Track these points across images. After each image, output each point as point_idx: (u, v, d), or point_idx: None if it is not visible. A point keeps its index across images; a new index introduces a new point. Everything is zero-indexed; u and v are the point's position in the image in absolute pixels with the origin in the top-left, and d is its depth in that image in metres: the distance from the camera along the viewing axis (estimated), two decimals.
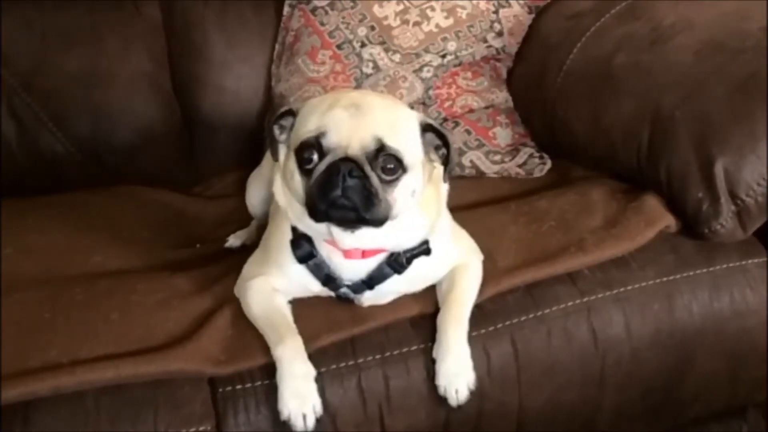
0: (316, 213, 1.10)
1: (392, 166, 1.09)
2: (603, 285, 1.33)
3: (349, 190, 1.06)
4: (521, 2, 1.87)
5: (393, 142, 1.08)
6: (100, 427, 1.11)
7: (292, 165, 1.12)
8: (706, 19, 1.55)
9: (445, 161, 1.16)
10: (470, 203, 1.54)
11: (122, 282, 1.34)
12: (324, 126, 1.09)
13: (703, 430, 1.56)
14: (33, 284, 1.34)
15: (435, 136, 1.15)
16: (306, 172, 1.10)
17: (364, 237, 1.15)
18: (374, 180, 1.08)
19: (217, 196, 1.80)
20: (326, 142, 1.08)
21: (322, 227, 1.15)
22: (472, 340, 1.22)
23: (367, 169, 1.07)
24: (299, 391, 1.14)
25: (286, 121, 1.16)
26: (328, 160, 1.08)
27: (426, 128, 1.14)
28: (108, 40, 1.82)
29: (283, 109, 1.17)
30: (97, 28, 1.82)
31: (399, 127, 1.11)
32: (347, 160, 1.07)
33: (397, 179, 1.10)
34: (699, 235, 1.40)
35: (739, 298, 1.38)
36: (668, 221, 1.41)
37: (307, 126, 1.11)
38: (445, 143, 1.14)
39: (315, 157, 1.09)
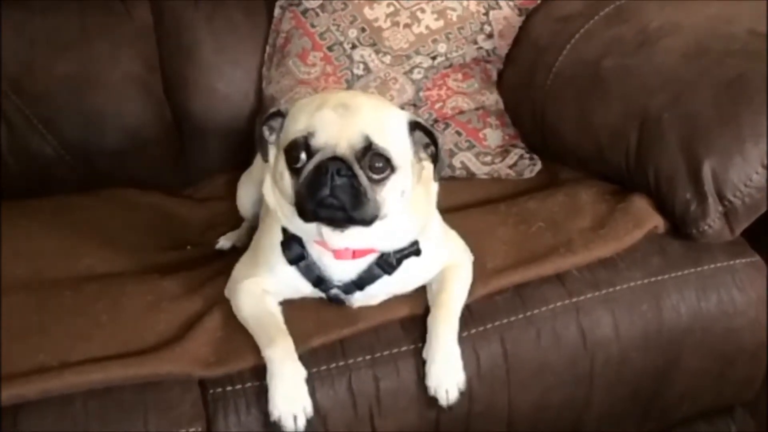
0: (305, 212, 1.10)
1: (381, 165, 1.09)
2: (591, 285, 1.34)
3: (337, 189, 1.07)
4: (511, 4, 1.87)
5: (381, 141, 1.09)
6: (89, 430, 1.11)
7: (282, 165, 1.13)
8: (693, 22, 1.57)
9: (435, 159, 1.16)
10: (460, 205, 1.55)
11: (112, 285, 1.34)
12: (312, 126, 1.09)
13: (691, 429, 1.57)
14: (22, 287, 1.34)
15: (423, 134, 1.15)
16: (295, 172, 1.10)
17: (354, 237, 1.15)
18: (363, 179, 1.08)
19: (208, 199, 1.80)
20: (315, 142, 1.09)
21: (311, 227, 1.15)
22: (461, 340, 1.22)
23: (356, 167, 1.08)
24: (290, 393, 1.14)
25: (276, 122, 1.17)
26: (316, 159, 1.08)
27: (414, 127, 1.15)
28: (98, 43, 1.82)
29: (272, 110, 1.17)
30: (87, 31, 1.82)
31: (387, 126, 1.12)
32: (335, 159, 1.07)
33: (385, 178, 1.10)
34: (687, 235, 1.41)
35: (726, 299, 1.39)
36: (656, 222, 1.42)
37: (296, 126, 1.11)
38: (434, 141, 1.15)
39: (303, 156, 1.09)
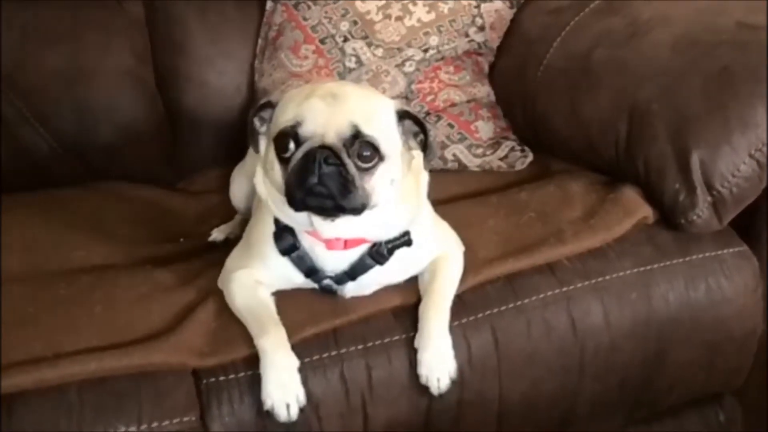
0: (295, 201, 1.11)
1: (368, 153, 1.10)
2: (581, 275, 1.35)
3: (325, 177, 1.07)
4: None
5: (369, 130, 1.10)
6: (84, 419, 1.12)
7: (272, 155, 1.13)
8: (682, 14, 1.58)
9: (424, 148, 1.17)
10: (452, 196, 1.56)
11: (105, 276, 1.35)
12: (301, 115, 1.10)
13: (680, 417, 1.58)
14: (16, 279, 1.34)
15: (413, 122, 1.16)
16: (284, 161, 1.11)
17: (344, 226, 1.16)
18: (351, 167, 1.09)
19: (200, 192, 1.80)
20: (303, 131, 1.09)
21: (302, 217, 1.16)
22: (453, 329, 1.23)
23: (344, 156, 1.08)
24: (282, 382, 1.15)
25: (266, 113, 1.18)
26: (304, 148, 1.09)
27: (403, 115, 1.16)
28: (90, 36, 1.81)
29: (262, 101, 1.18)
30: (78, 24, 1.81)
31: (375, 114, 1.13)
32: (323, 147, 1.08)
33: (374, 167, 1.11)
34: (676, 225, 1.43)
35: (714, 288, 1.41)
36: (645, 212, 1.44)
37: (285, 116, 1.12)
38: (423, 128, 1.15)
39: (292, 145, 1.10)
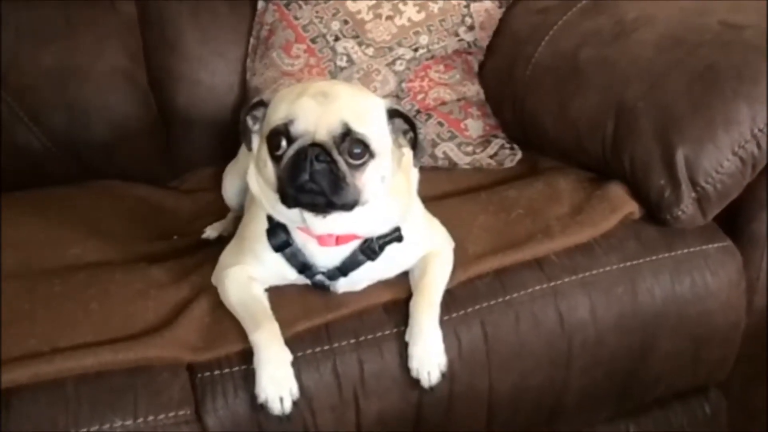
0: (287, 198, 1.13)
1: (359, 150, 1.12)
2: (569, 270, 1.37)
3: (316, 174, 1.09)
4: None
5: (359, 127, 1.11)
6: (80, 413, 1.13)
7: (264, 153, 1.15)
8: (667, 14, 1.60)
9: (414, 145, 1.19)
10: (442, 194, 1.58)
11: (100, 273, 1.36)
12: (292, 114, 1.12)
13: (666, 409, 1.60)
14: (11, 277, 1.35)
15: (403, 121, 1.18)
16: (276, 159, 1.13)
17: (336, 222, 1.18)
18: (342, 164, 1.11)
19: (193, 190, 1.82)
20: (294, 129, 1.11)
21: (295, 214, 1.18)
22: (443, 324, 1.25)
23: (335, 153, 1.10)
24: (276, 376, 1.17)
25: (259, 112, 1.19)
26: (296, 145, 1.11)
27: (393, 114, 1.18)
28: (83, 35, 1.82)
29: (255, 100, 1.20)
30: (71, 23, 1.82)
31: (365, 112, 1.15)
32: (315, 145, 1.10)
33: (364, 164, 1.12)
34: (661, 221, 1.45)
35: (699, 282, 1.43)
36: (632, 208, 1.46)
37: (277, 114, 1.14)
38: (412, 127, 1.17)
39: (284, 143, 1.12)
